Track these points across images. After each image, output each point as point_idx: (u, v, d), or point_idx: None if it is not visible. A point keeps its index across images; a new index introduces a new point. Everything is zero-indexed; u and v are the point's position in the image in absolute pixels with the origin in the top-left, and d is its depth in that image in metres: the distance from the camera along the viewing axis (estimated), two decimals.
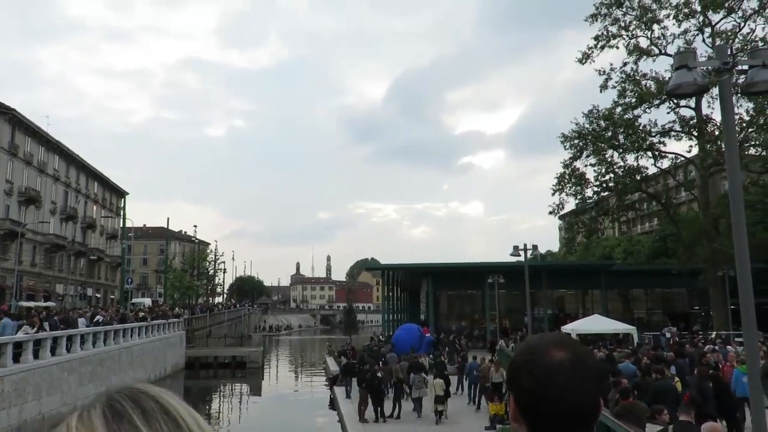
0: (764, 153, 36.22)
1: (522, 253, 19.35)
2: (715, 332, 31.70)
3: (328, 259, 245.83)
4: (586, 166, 36.48)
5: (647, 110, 35.25)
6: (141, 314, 40.54)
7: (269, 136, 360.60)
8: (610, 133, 35.05)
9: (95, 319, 32.84)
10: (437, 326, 44.35)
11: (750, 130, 33.23)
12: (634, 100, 34.58)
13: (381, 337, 41.69)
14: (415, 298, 55.92)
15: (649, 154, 35.55)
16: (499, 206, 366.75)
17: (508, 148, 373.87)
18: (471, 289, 51.20)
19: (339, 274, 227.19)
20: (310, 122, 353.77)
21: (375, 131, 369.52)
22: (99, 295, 74.19)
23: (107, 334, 30.59)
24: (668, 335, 30.96)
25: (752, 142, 34.59)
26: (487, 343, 38.82)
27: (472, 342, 39.14)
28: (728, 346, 20.40)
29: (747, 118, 33.12)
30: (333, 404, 27.10)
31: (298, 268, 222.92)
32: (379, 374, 20.52)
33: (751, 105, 32.92)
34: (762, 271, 48.02)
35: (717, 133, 33.59)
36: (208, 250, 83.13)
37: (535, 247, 20.55)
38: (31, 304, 44.57)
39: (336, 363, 31.61)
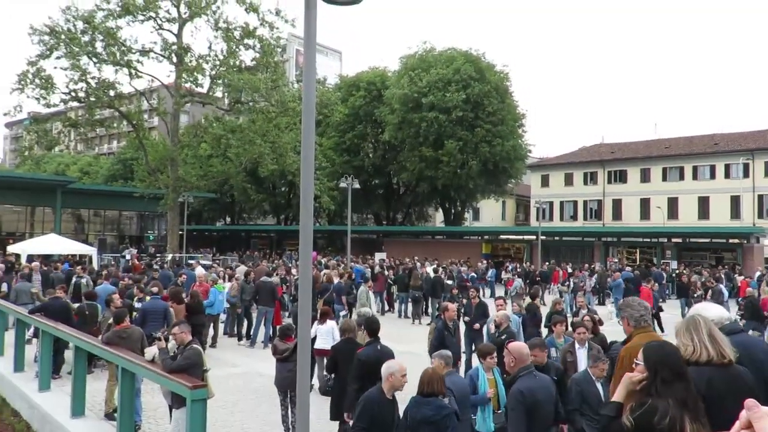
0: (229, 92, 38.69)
1: None
2: (171, 254, 33.18)
3: None
4: (55, 68, 32.51)
5: (131, 23, 33.39)
6: None
7: None
8: (87, 38, 31.93)
9: None
10: None
11: (222, 68, 35.15)
12: (119, 8, 32.24)
13: None
14: None
15: (126, 70, 34.01)
16: None
17: None
18: None
19: None
20: None
21: None
22: None
23: None
24: (128, 257, 30.77)
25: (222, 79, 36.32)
26: None
27: None
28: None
29: (221, 57, 35.10)
30: None
31: None
32: None
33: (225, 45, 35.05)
34: (212, 201, 52.71)
35: (194, 64, 34.60)
36: None
37: None
38: None
39: None
